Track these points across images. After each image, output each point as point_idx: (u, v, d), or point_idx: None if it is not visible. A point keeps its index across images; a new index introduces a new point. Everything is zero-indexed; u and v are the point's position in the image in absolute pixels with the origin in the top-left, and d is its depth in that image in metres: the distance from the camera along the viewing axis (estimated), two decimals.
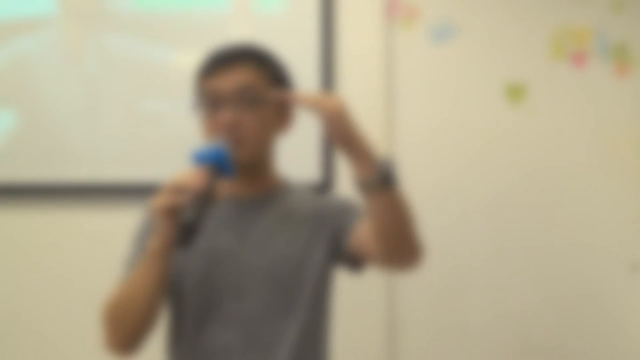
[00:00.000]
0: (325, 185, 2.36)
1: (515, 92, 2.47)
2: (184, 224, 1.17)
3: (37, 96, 2.36)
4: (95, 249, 2.29)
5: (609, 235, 2.47)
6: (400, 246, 1.28)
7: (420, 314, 2.40)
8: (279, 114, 1.41)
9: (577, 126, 2.48)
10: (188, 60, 2.21)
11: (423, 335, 2.41)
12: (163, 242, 1.24)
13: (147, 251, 1.27)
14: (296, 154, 2.33)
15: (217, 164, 1.25)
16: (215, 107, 1.35)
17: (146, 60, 2.39)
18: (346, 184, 2.37)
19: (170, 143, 2.32)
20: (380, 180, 1.21)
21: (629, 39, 2.49)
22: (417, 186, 2.42)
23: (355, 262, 1.44)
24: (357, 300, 2.27)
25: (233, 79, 1.35)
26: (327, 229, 1.41)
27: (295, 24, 2.41)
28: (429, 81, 2.44)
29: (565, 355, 2.44)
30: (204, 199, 1.20)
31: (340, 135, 1.20)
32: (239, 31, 2.40)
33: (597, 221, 2.47)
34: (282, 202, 1.43)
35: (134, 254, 1.39)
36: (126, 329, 1.28)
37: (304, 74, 2.38)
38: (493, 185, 2.45)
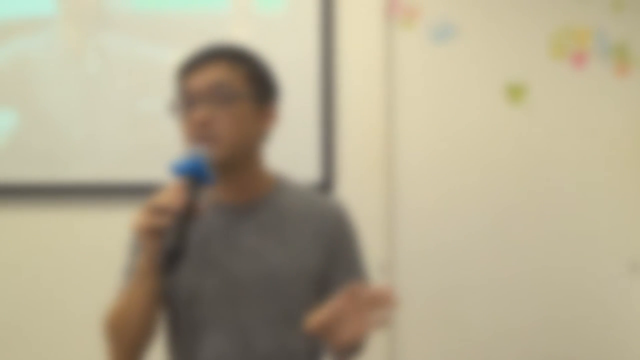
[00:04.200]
0: (325, 185, 2.36)
1: (515, 92, 2.47)
2: (166, 250, 1.16)
3: (37, 96, 2.36)
4: (94, 248, 2.29)
5: (609, 235, 2.47)
6: None
7: (420, 317, 2.40)
8: (259, 111, 1.36)
9: (577, 126, 2.48)
10: None
11: (423, 337, 2.41)
12: (149, 262, 1.23)
13: (136, 270, 1.27)
14: (296, 154, 2.35)
15: (195, 174, 1.23)
16: (190, 106, 1.32)
17: (146, 61, 2.39)
18: (346, 184, 2.38)
19: (169, 143, 2.31)
20: None
21: (629, 39, 2.49)
22: (417, 185, 2.44)
23: None
24: None
25: (206, 77, 1.32)
26: (327, 249, 1.39)
27: (295, 24, 2.41)
28: (429, 81, 2.44)
29: (565, 354, 2.44)
30: (185, 219, 1.19)
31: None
32: (239, 31, 2.40)
33: (597, 221, 2.47)
34: (274, 206, 1.38)
35: (128, 265, 1.39)
36: (123, 344, 1.30)
37: (304, 74, 2.40)
38: (493, 185, 2.45)
